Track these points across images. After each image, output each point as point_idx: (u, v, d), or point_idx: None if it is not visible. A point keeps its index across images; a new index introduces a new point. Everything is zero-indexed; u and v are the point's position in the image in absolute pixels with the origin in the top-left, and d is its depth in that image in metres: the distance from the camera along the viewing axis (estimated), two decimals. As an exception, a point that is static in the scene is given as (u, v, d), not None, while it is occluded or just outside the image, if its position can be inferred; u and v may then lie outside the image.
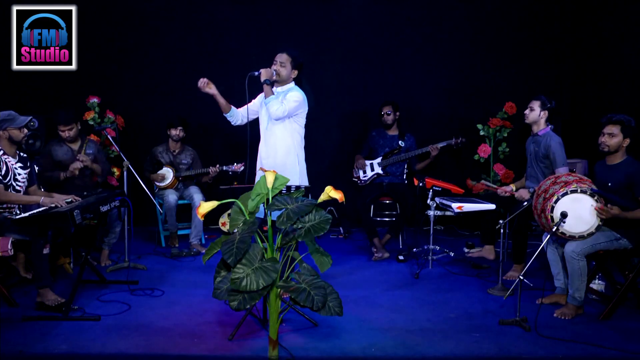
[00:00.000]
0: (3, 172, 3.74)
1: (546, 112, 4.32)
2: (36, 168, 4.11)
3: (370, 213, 5.31)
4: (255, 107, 3.98)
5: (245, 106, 3.97)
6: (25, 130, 3.89)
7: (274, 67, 3.82)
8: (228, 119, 4.00)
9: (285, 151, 3.83)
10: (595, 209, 3.38)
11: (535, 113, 4.32)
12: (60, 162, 4.53)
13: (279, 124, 3.82)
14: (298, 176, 3.84)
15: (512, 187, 4.52)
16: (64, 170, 4.53)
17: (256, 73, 3.77)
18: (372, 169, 5.32)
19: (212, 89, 3.84)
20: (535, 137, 4.39)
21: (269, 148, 3.86)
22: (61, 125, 4.52)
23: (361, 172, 5.36)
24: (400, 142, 5.32)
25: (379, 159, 5.31)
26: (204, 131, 6.07)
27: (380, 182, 5.29)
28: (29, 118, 3.91)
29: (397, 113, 5.33)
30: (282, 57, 3.83)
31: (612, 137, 3.55)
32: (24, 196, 3.85)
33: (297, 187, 3.32)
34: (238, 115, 3.98)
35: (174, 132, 5.31)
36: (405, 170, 5.39)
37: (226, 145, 6.00)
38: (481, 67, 6.09)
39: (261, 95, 3.94)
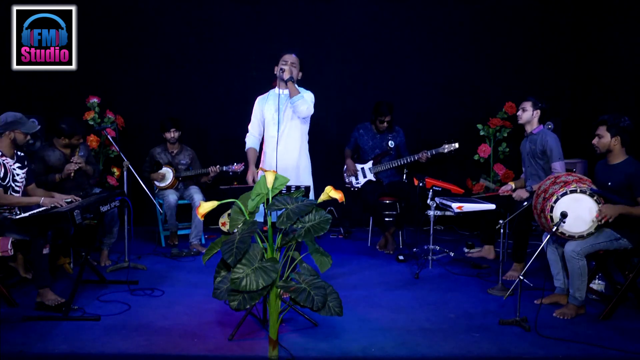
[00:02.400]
0: (1, 174, 3.73)
1: (538, 111, 4.39)
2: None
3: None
4: (260, 117, 3.93)
5: (258, 126, 3.95)
6: (29, 137, 3.92)
7: (287, 66, 3.76)
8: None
9: (299, 152, 3.85)
10: (596, 217, 3.38)
11: (529, 113, 4.40)
12: (53, 167, 4.46)
13: (296, 125, 3.83)
14: (310, 176, 3.92)
15: (512, 184, 4.53)
16: (58, 174, 4.51)
17: (280, 71, 3.75)
18: (364, 176, 5.24)
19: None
20: (530, 137, 4.43)
21: (284, 150, 3.81)
22: (78, 135, 4.47)
23: (353, 179, 5.29)
24: (390, 141, 5.22)
25: (369, 164, 5.22)
26: (203, 132, 6.07)
27: (379, 181, 5.27)
28: (37, 127, 3.91)
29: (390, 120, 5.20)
30: (293, 58, 3.82)
31: (600, 138, 3.56)
32: (24, 198, 3.84)
33: (297, 187, 3.32)
34: (261, 133, 3.97)
35: (168, 135, 5.30)
36: (405, 170, 5.38)
37: (225, 146, 6.01)
38: (481, 67, 6.09)
39: (259, 102, 3.90)
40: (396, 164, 5.16)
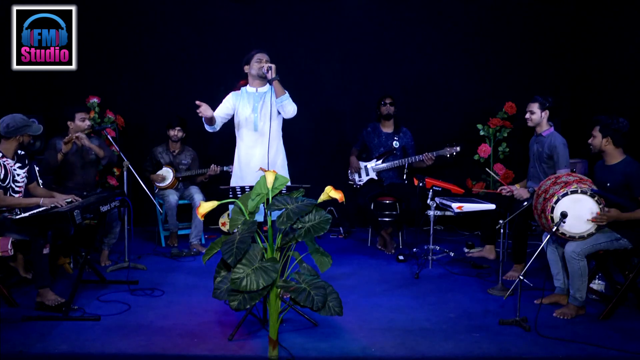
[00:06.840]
0: (2, 175, 3.73)
1: (547, 112, 4.34)
2: (36, 168, 4.11)
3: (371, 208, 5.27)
4: (229, 110, 3.87)
5: (222, 112, 3.87)
6: (31, 139, 4.00)
7: (267, 64, 3.75)
8: (210, 129, 3.90)
9: (276, 150, 3.84)
10: (592, 220, 3.38)
11: (537, 115, 4.34)
12: (65, 155, 4.53)
13: (276, 123, 3.81)
14: (287, 173, 3.92)
15: (517, 186, 4.51)
16: (68, 166, 4.55)
17: (265, 70, 3.72)
18: (367, 174, 5.25)
19: (208, 112, 3.71)
20: (539, 138, 4.39)
21: (261, 149, 3.80)
22: (82, 113, 4.59)
23: (356, 176, 5.29)
24: (395, 142, 5.24)
25: (373, 163, 5.23)
26: (203, 132, 6.04)
27: (380, 180, 5.26)
28: (41, 130, 3.98)
29: (394, 108, 5.23)
30: (267, 57, 3.82)
31: (594, 138, 3.58)
32: (24, 199, 3.84)
33: (297, 187, 3.32)
34: (219, 123, 3.89)
35: (172, 132, 5.31)
36: (405, 171, 5.37)
37: (225, 146, 5.99)
38: (481, 66, 6.08)
39: (233, 97, 3.87)
40: (398, 164, 5.16)
